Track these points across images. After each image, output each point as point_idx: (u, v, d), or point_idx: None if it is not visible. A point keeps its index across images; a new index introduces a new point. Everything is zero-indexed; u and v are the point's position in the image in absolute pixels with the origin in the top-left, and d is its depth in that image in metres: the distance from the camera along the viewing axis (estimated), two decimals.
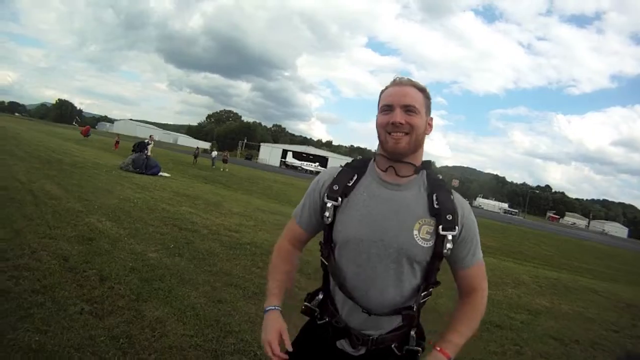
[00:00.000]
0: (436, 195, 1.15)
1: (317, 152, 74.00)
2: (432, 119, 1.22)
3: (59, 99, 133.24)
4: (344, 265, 1.18)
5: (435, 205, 1.14)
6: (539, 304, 5.41)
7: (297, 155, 68.00)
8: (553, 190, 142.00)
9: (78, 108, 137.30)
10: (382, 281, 1.14)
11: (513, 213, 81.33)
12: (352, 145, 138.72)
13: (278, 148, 73.88)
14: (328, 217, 1.19)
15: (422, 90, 1.19)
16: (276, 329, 1.17)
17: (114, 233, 4.77)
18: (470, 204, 1.49)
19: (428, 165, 1.22)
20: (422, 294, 1.17)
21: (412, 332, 1.19)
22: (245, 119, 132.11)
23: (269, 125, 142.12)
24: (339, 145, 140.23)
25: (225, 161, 28.15)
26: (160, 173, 13.17)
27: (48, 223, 4.59)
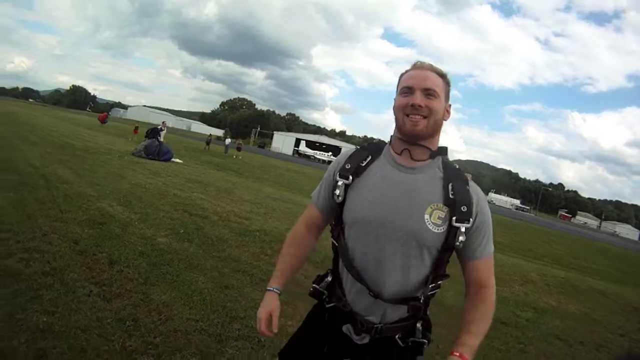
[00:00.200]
0: (452, 185, 1.13)
1: (331, 141, 73.49)
2: (450, 105, 1.21)
3: (73, 85, 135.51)
4: (353, 245, 1.18)
5: (451, 195, 1.12)
6: (545, 303, 5.36)
7: (311, 145, 67.84)
8: (566, 189, 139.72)
9: (92, 94, 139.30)
10: (390, 263, 1.12)
11: (525, 210, 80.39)
12: (365, 136, 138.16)
13: (291, 137, 73.66)
14: (339, 196, 1.19)
15: (443, 76, 1.18)
16: (267, 310, 1.24)
17: (125, 217, 4.84)
18: None
19: (445, 151, 1.20)
20: (430, 286, 1.15)
21: (418, 324, 1.18)
22: (259, 107, 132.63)
23: (283, 114, 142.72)
24: (352, 136, 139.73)
25: (239, 149, 28.34)
26: (173, 159, 13.28)
27: (59, 207, 4.67)
